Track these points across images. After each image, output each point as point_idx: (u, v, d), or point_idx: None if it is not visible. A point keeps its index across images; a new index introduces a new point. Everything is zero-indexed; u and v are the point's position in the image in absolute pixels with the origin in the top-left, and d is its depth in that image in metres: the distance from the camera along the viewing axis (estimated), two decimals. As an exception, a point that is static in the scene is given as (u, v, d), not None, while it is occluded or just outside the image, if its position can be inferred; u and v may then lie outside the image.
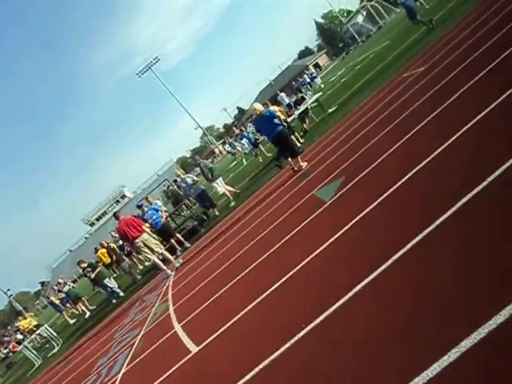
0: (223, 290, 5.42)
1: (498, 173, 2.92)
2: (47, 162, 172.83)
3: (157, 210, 11.79)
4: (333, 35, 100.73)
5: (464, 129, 4.03)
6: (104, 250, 15.54)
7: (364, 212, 4.07)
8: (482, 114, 4.01)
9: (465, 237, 2.65)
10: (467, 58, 6.35)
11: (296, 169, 8.70)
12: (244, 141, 20.60)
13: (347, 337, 2.59)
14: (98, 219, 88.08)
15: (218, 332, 4.19)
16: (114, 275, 17.90)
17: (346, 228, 4.07)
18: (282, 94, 19.12)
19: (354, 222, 4.07)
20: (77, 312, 17.37)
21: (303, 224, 5.23)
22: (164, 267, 9.53)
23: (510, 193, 2.71)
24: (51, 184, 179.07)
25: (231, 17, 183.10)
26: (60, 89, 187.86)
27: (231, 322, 4.17)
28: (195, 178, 13.09)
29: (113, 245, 15.33)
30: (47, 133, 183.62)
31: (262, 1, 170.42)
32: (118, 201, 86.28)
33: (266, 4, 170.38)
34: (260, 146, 17.81)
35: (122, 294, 12.99)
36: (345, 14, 78.95)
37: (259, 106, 8.95)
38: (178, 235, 11.89)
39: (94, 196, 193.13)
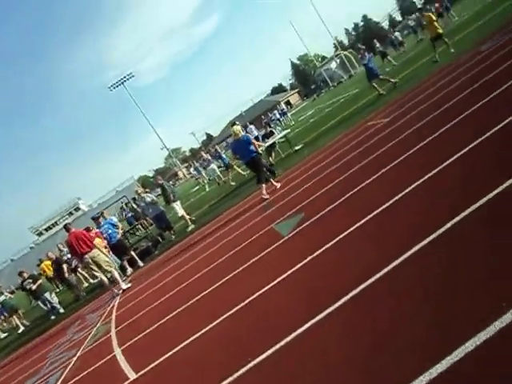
0: (170, 315, 5.27)
1: (449, 225, 3.08)
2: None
3: (113, 225, 11.43)
4: (306, 77, 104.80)
5: (419, 181, 4.25)
6: (49, 262, 14.77)
7: (318, 251, 4.14)
8: (437, 169, 4.26)
9: (409, 285, 2.75)
10: (429, 113, 6.76)
11: (268, 192, 8.80)
12: (212, 165, 20.45)
13: (302, 369, 2.57)
14: (47, 229, 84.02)
15: (160, 360, 4.05)
16: (57, 290, 16.99)
17: (298, 266, 4.12)
18: (251, 126, 19.41)
19: (307, 260, 4.12)
20: (10, 325, 16.22)
21: (258, 257, 5.25)
22: (111, 287, 9.16)
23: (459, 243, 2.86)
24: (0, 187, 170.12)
25: (211, 45, 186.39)
26: (25, 92, 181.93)
27: (174, 351, 4.05)
28: (155, 198, 12.82)
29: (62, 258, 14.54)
30: (4, 133, 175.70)
31: (243, 34, 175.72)
32: (71, 213, 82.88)
33: (246, 38, 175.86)
34: (234, 166, 17.73)
35: (62, 310, 12.31)
36: (319, 59, 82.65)
37: (238, 130, 9.20)
38: (133, 253, 11.52)
39: (46, 205, 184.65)
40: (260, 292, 4.08)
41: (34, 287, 12.49)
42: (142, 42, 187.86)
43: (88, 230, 11.75)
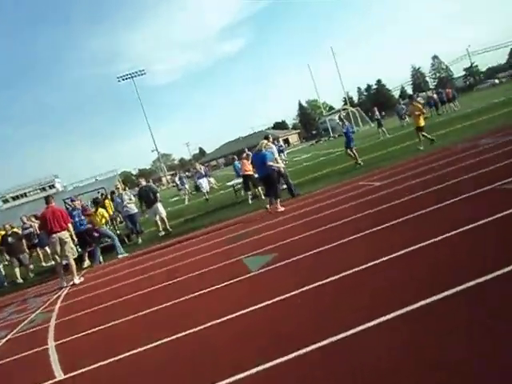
0: (115, 322, 5.05)
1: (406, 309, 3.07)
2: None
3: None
4: (310, 121, 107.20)
5: (393, 255, 4.27)
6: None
7: (279, 297, 4.07)
8: (416, 246, 4.30)
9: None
10: (421, 189, 6.91)
11: (270, 211, 9.39)
12: (205, 179, 20.50)
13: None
14: (14, 198, 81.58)
15: (93, 366, 3.83)
16: (5, 263, 16.21)
17: (257, 306, 4.03)
18: (249, 153, 19.74)
19: (268, 303, 4.04)
20: None
21: (217, 286, 5.15)
22: (62, 276, 8.79)
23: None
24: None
25: (229, 66, 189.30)
26: (33, 55, 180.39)
27: (110, 360, 3.84)
28: (133, 198, 12.61)
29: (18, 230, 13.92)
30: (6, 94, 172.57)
31: (261, 64, 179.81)
32: (44, 188, 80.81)
33: (264, 68, 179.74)
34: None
35: (5, 284, 11.76)
36: (327, 108, 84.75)
37: (264, 145, 9.70)
38: (98, 248, 11.13)
39: (21, 175, 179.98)
40: (207, 324, 3.96)
41: None
42: (162, 42, 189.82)
43: (72, 201, 11.93)
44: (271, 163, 9.49)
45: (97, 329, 5.02)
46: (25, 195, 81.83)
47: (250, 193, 13.17)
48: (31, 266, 12.47)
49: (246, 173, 12.81)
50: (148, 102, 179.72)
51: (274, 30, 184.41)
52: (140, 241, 12.11)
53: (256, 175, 11.37)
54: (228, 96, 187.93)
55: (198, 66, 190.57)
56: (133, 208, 12.31)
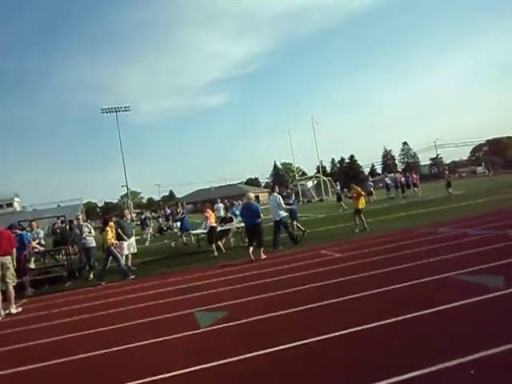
0: (39, 364, 4.72)
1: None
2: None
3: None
4: (282, 182, 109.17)
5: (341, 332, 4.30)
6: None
7: (221, 361, 3.96)
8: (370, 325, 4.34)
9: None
10: (382, 266, 7.08)
11: (254, 259, 10.05)
12: (175, 224, 20.44)
13: None
14: (-36, 212, 77.21)
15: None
16: None
17: (197, 367, 3.90)
18: (220, 205, 19.99)
19: (209, 365, 3.91)
20: None
21: (162, 338, 4.98)
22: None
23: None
24: None
25: (211, 117, 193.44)
26: (21, 74, 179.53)
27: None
28: (92, 231, 12.20)
29: None
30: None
31: (243, 120, 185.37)
32: (1, 206, 77.29)
33: (244, 124, 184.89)
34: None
35: None
36: (300, 172, 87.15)
37: (252, 196, 11.18)
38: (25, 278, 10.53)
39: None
40: (142, 381, 3.78)
41: None
42: (149, 84, 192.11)
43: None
44: (283, 208, 11.54)
45: (27, 367, 4.67)
46: (-23, 210, 77.77)
47: (213, 245, 13.05)
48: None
49: (212, 224, 12.82)
50: (126, 138, 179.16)
51: (259, 91, 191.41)
52: (92, 276, 11.59)
53: (238, 225, 12.93)
54: (205, 145, 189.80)
55: (181, 112, 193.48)
56: (91, 241, 11.90)
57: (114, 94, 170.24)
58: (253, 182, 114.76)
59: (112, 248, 10.64)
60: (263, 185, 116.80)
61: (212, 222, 12.76)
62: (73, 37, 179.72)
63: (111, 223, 11.45)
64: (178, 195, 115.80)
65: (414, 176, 29.56)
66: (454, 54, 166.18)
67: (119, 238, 11.87)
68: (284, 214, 11.77)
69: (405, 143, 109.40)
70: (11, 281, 8.27)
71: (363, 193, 13.38)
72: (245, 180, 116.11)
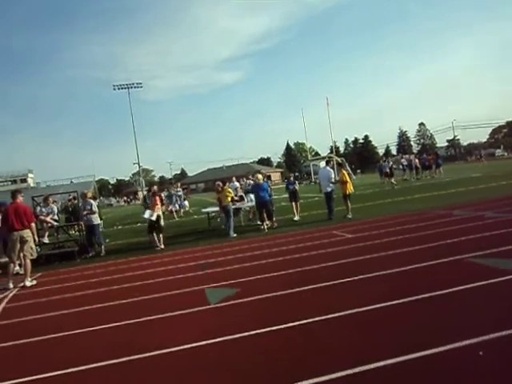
0: (58, 334, 4.79)
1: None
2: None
3: None
4: (295, 162, 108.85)
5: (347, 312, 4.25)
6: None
7: (233, 336, 3.97)
8: (377, 305, 4.29)
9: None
10: (393, 248, 7.00)
11: (268, 226, 12.13)
12: (174, 197, 21.09)
13: None
14: (-19, 186, 78.72)
15: (29, 378, 3.59)
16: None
17: (205, 342, 3.91)
18: (237, 184, 20.06)
19: (217, 340, 3.92)
20: None
21: (172, 313, 5.00)
22: (10, 277, 8.34)
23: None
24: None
25: (224, 95, 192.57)
26: (34, 51, 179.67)
27: (52, 374, 3.61)
28: (95, 209, 12.11)
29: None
30: None
31: (257, 99, 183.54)
32: (15, 181, 78.47)
33: (258, 103, 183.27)
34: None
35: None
36: (313, 153, 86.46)
37: (261, 178, 12.61)
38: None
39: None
40: (150, 354, 3.80)
41: None
42: (162, 61, 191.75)
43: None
44: (332, 180, 12.83)
45: (38, 338, 4.75)
46: (-7, 185, 79.18)
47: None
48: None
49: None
50: (138, 115, 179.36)
51: (273, 69, 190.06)
52: (103, 252, 11.74)
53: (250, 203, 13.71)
54: (218, 124, 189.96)
55: (194, 90, 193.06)
56: (94, 219, 11.90)
57: (127, 71, 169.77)
58: (265, 162, 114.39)
59: (229, 205, 12.14)
60: (275, 164, 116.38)
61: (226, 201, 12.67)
62: (86, 13, 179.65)
63: (157, 196, 11.92)
64: (190, 173, 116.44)
65: (429, 157, 29.01)
66: (474, 35, 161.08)
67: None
68: (333, 186, 12.69)
69: (421, 124, 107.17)
70: (29, 254, 8.41)
71: (349, 179, 13.14)
72: (257, 159, 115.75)
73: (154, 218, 11.31)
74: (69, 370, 3.66)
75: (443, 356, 3.03)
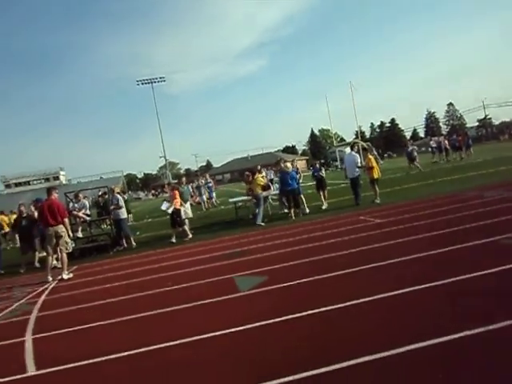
0: (97, 323, 4.98)
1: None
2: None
3: None
4: (320, 149, 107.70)
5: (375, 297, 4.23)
6: (6, 219, 14.16)
7: (262, 322, 4.02)
8: (404, 290, 4.25)
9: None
10: (425, 230, 6.88)
11: (296, 214, 12.12)
12: (202, 189, 21.84)
13: None
14: (17, 185, 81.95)
15: (67, 365, 3.77)
16: (7, 247, 16.14)
17: (239, 328, 3.98)
18: (270, 172, 20.20)
19: (250, 326, 3.99)
20: None
21: (204, 301, 5.10)
22: (49, 270, 8.70)
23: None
24: None
25: (247, 84, 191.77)
26: (56, 47, 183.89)
27: (85, 362, 3.78)
28: (121, 204, 12.35)
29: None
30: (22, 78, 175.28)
31: (279, 88, 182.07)
32: (48, 179, 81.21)
33: (280, 92, 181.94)
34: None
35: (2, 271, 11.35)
36: (338, 139, 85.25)
37: (290, 166, 12.61)
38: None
39: (24, 162, 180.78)
40: (183, 340, 3.92)
41: None
42: (184, 54, 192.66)
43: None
44: (358, 165, 12.61)
45: (77, 328, 4.96)
46: (28, 183, 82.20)
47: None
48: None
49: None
50: (162, 108, 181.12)
51: (297, 55, 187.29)
52: (134, 244, 12.05)
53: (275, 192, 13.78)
54: (241, 114, 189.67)
55: (217, 81, 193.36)
56: (120, 213, 12.12)
57: (150, 66, 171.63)
58: (290, 150, 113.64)
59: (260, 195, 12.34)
60: (300, 152, 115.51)
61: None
62: (109, 12, 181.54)
63: (176, 190, 12.01)
64: (215, 165, 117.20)
65: (460, 138, 28.09)
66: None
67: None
68: (359, 171, 12.60)
69: (450, 104, 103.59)
70: (64, 248, 8.74)
71: (376, 164, 12.88)
72: (281, 148, 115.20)
73: (170, 210, 11.58)
74: (104, 358, 3.81)
75: (480, 337, 2.99)
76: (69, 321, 5.32)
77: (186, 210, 12.65)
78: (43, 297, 7.15)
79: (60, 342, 4.66)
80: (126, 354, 3.82)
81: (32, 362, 4.04)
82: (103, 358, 3.80)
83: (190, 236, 11.44)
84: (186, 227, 11.78)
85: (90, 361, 3.80)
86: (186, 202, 12.65)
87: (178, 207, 11.67)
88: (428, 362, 2.82)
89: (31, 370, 3.84)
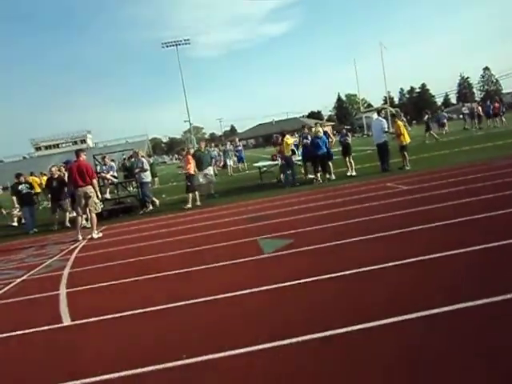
0: (127, 280, 5.18)
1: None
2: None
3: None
4: (346, 115, 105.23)
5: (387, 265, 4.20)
6: (38, 180, 14.61)
7: (286, 283, 4.07)
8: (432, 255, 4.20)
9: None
10: (448, 199, 6.74)
11: (322, 179, 12.33)
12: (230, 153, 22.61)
13: None
14: (46, 147, 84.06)
15: (101, 318, 3.95)
16: (40, 207, 16.73)
17: (260, 289, 4.05)
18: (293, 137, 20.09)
19: (272, 287, 4.05)
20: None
21: (228, 262, 5.20)
22: (79, 230, 9.00)
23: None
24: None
25: (272, 47, 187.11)
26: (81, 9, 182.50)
27: (117, 315, 3.95)
28: (146, 166, 12.49)
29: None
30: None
31: (306, 51, 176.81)
32: (76, 142, 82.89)
33: (308, 55, 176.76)
34: None
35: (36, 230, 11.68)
36: (365, 104, 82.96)
37: (320, 131, 12.52)
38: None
39: (53, 126, 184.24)
40: (209, 298, 4.03)
41: (32, 192, 11.92)
42: (208, 16, 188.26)
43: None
44: (385, 130, 12.35)
45: (108, 283, 5.16)
46: (57, 146, 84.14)
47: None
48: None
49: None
50: (187, 73, 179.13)
51: (323, 17, 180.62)
52: (151, 207, 12.31)
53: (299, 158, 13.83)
54: (266, 78, 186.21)
55: (242, 44, 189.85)
56: (144, 177, 12.37)
57: (173, 29, 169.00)
58: (315, 116, 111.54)
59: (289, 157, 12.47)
60: (326, 118, 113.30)
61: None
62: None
63: (189, 155, 12.10)
64: (240, 130, 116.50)
65: (496, 105, 26.80)
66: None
67: (198, 167, 12.43)
68: (386, 137, 12.41)
69: (486, 69, 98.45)
70: (93, 208, 9.01)
71: (404, 130, 12.47)
72: (307, 113, 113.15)
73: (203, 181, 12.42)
74: (133, 312, 3.97)
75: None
76: (100, 277, 5.55)
77: (208, 176, 12.77)
78: (74, 254, 7.45)
79: (92, 296, 4.87)
80: (153, 308, 3.97)
81: (67, 313, 4.25)
82: (132, 312, 3.95)
83: (190, 206, 11.36)
84: (197, 194, 11.82)
85: (121, 314, 3.96)
86: (205, 168, 12.68)
87: (191, 172, 11.72)
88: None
89: (66, 321, 4.04)
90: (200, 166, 12.51)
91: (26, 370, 3.20)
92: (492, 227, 5.02)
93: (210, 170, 13.11)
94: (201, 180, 12.63)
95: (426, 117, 23.42)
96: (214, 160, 22.92)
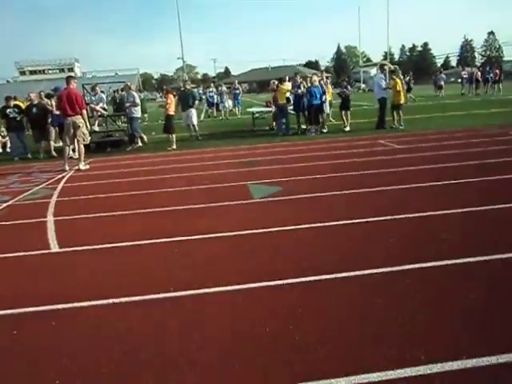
0: (118, 212, 5.20)
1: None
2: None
3: None
4: (344, 68, 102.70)
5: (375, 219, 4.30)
6: (22, 105, 14.07)
7: (272, 229, 4.14)
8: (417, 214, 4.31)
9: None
10: (437, 159, 6.82)
11: (316, 130, 12.11)
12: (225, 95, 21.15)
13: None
14: (31, 72, 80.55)
15: (88, 247, 4.01)
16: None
17: (244, 232, 4.14)
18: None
19: (259, 231, 4.13)
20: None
21: (216, 204, 5.26)
22: (66, 160, 8.87)
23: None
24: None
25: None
26: None
27: (105, 246, 4.01)
28: (137, 101, 11.92)
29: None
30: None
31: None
32: (63, 70, 79.43)
33: None
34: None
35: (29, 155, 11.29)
36: (364, 58, 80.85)
37: (317, 79, 12.29)
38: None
39: (42, 51, 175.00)
40: (198, 237, 4.09)
41: (17, 118, 11.21)
42: None
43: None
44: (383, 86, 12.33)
45: (97, 215, 5.19)
46: (43, 72, 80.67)
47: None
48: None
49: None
50: (183, 8, 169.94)
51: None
52: (139, 144, 12.05)
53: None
54: (266, 23, 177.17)
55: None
56: (134, 111, 11.88)
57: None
58: (312, 65, 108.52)
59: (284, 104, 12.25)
60: (323, 69, 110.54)
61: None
62: None
63: (170, 94, 11.61)
64: (234, 73, 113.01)
65: (496, 71, 26.39)
66: None
67: (184, 108, 12.21)
68: (385, 93, 12.29)
69: (491, 33, 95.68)
70: (82, 139, 8.84)
71: (401, 88, 12.30)
72: (304, 62, 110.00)
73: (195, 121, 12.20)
74: (116, 244, 4.04)
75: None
76: (88, 208, 5.55)
77: (190, 116, 12.33)
78: (61, 184, 7.40)
79: (79, 225, 4.90)
80: (139, 242, 4.03)
81: (55, 240, 4.28)
82: (120, 244, 4.02)
83: (174, 147, 11.20)
84: (174, 136, 11.53)
85: (108, 245, 4.02)
86: (188, 108, 12.24)
87: (170, 113, 11.44)
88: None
89: (54, 248, 4.08)
90: (184, 106, 12.22)
91: (16, 292, 3.25)
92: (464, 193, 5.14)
93: (193, 114, 12.51)
94: (183, 121, 12.44)
95: (408, 78, 23.95)
96: (204, 101, 22.28)
